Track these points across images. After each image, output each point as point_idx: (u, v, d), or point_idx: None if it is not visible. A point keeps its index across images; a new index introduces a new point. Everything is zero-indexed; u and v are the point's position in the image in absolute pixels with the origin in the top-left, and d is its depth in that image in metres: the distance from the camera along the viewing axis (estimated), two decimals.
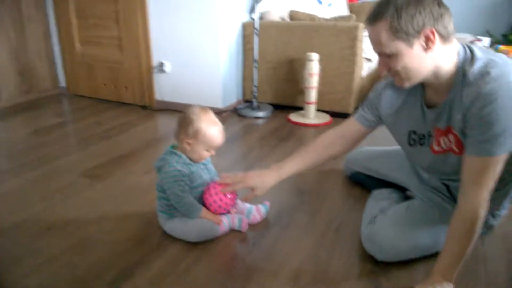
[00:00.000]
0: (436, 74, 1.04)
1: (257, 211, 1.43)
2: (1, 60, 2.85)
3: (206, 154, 1.32)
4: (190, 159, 1.31)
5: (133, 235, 1.36)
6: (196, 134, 1.27)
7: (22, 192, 1.66)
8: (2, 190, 1.68)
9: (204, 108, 1.32)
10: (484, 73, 0.98)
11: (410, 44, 0.97)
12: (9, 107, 2.91)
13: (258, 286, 1.13)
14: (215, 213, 1.34)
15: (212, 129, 1.28)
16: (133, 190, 1.68)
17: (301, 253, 1.28)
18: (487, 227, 1.28)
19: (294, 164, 1.36)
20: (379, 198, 1.45)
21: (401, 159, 1.53)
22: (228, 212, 1.38)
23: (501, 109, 0.94)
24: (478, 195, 1.00)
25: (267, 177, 1.33)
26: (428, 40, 0.97)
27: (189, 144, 1.29)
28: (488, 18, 4.26)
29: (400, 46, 0.98)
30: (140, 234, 1.36)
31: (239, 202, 1.45)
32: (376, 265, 1.21)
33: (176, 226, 1.33)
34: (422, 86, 1.15)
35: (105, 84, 3.06)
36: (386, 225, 1.23)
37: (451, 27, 0.99)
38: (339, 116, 2.65)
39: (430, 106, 1.14)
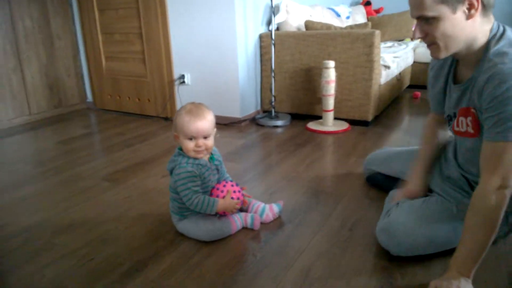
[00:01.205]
0: (469, 46, 1.02)
1: (270, 210, 1.43)
2: (32, 76, 3.02)
3: (190, 144, 1.27)
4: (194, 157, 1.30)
5: (148, 232, 1.38)
6: (175, 125, 1.29)
7: (45, 194, 1.73)
8: (27, 192, 1.75)
9: (192, 102, 1.32)
10: (503, 53, 0.96)
11: (453, 9, 0.96)
12: (39, 120, 3.06)
13: (268, 280, 1.12)
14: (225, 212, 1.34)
15: (183, 116, 1.25)
16: (151, 192, 1.71)
17: (313, 249, 1.26)
18: (508, 225, 1.23)
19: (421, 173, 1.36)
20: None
21: None
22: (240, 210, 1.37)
23: None
24: (491, 183, 0.96)
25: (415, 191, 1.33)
26: (471, 7, 0.96)
27: (176, 137, 1.30)
28: None
29: (444, 10, 0.96)
30: (155, 232, 1.39)
31: (252, 200, 1.46)
32: (390, 261, 1.18)
33: (187, 228, 1.34)
34: (455, 62, 1.14)
35: (129, 98, 3.17)
36: (401, 215, 1.20)
37: None
38: (357, 123, 2.64)
39: (457, 82, 1.13)
